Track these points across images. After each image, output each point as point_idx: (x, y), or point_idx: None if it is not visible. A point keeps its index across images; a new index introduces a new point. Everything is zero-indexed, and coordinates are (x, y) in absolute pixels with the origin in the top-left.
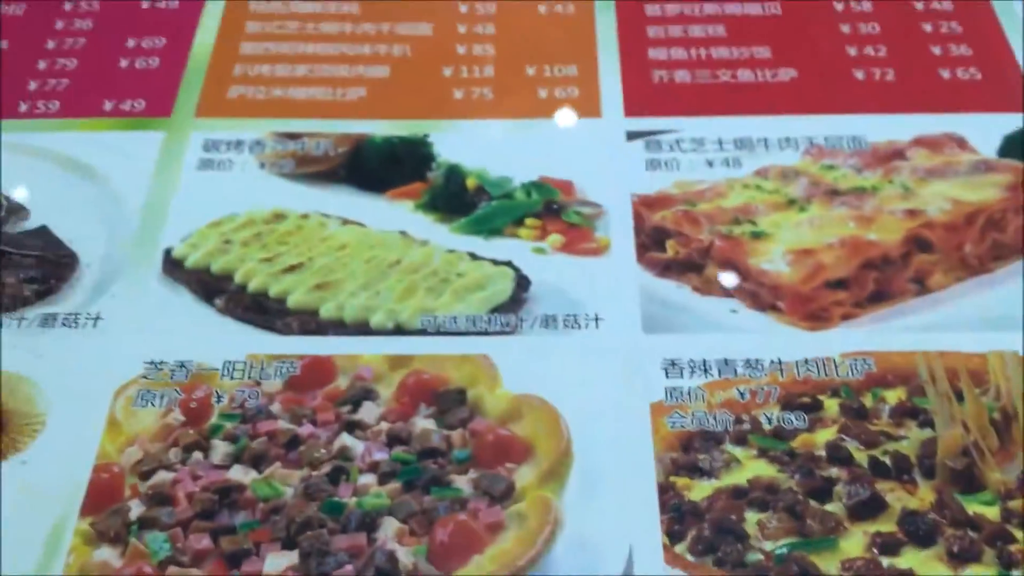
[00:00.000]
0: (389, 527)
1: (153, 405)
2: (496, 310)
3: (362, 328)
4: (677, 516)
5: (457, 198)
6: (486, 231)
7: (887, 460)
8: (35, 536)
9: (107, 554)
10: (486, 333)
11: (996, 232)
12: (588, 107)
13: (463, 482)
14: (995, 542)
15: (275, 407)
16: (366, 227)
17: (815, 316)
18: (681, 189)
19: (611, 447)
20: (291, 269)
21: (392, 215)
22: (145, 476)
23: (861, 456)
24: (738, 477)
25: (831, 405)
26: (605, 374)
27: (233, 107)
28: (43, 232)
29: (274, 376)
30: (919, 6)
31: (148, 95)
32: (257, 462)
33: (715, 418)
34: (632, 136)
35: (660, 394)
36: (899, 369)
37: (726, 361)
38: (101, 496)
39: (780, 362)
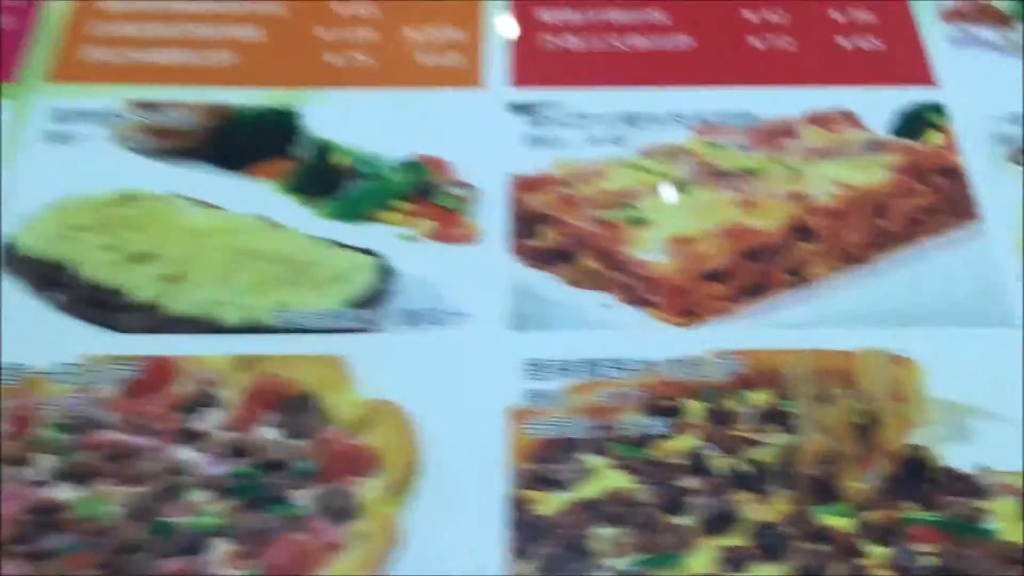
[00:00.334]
0: (219, 549)
1: None
2: (357, 304)
3: (210, 325)
4: (525, 533)
5: (324, 178)
6: (353, 215)
7: (747, 469)
8: None
9: None
10: (344, 330)
11: (881, 219)
12: (471, 76)
13: (306, 497)
14: (846, 557)
15: (109, 416)
16: (225, 210)
17: (689, 311)
18: (562, 169)
19: (465, 457)
20: (138, 259)
21: (254, 196)
22: None
23: (721, 464)
24: (593, 489)
25: (696, 409)
26: (465, 376)
27: (87, 71)
28: None
29: (110, 380)
30: None
31: None
32: (84, 478)
33: (575, 424)
34: (515, 109)
35: (521, 398)
36: (769, 369)
37: (593, 362)
38: None
39: (649, 362)
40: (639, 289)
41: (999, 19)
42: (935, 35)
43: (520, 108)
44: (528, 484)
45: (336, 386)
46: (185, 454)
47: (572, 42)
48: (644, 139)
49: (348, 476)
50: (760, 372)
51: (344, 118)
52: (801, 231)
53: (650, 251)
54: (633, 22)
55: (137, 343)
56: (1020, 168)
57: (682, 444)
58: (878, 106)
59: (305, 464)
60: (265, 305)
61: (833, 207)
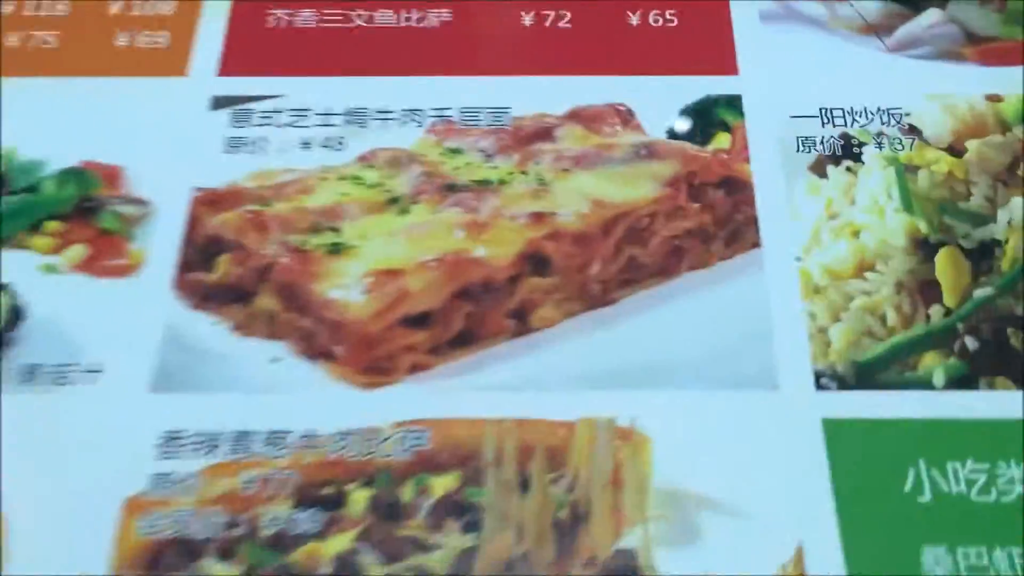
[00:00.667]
0: None
1: None
2: None
3: None
4: None
5: None
6: None
7: None
8: None
9: None
10: None
11: (636, 246)
12: (173, 61)
13: None
14: None
15: None
16: None
17: (376, 367)
18: (258, 182)
19: (64, 560)
20: None
21: None
22: None
23: (378, 573)
24: None
25: (359, 499)
26: (83, 454)
27: None
28: None
29: None
30: None
31: None
32: None
33: (204, 520)
34: (219, 104)
35: (148, 483)
36: (460, 445)
37: (243, 434)
38: None
39: (312, 436)
40: (320, 337)
41: None
42: (745, 8)
43: (226, 102)
44: None
45: None
46: None
47: (303, 18)
48: (369, 143)
49: None
50: (448, 449)
51: (8, 114)
52: (537, 262)
53: (344, 288)
54: None
55: None
56: (823, 181)
57: (333, 547)
58: (663, 99)
59: None
60: None
61: (578, 231)
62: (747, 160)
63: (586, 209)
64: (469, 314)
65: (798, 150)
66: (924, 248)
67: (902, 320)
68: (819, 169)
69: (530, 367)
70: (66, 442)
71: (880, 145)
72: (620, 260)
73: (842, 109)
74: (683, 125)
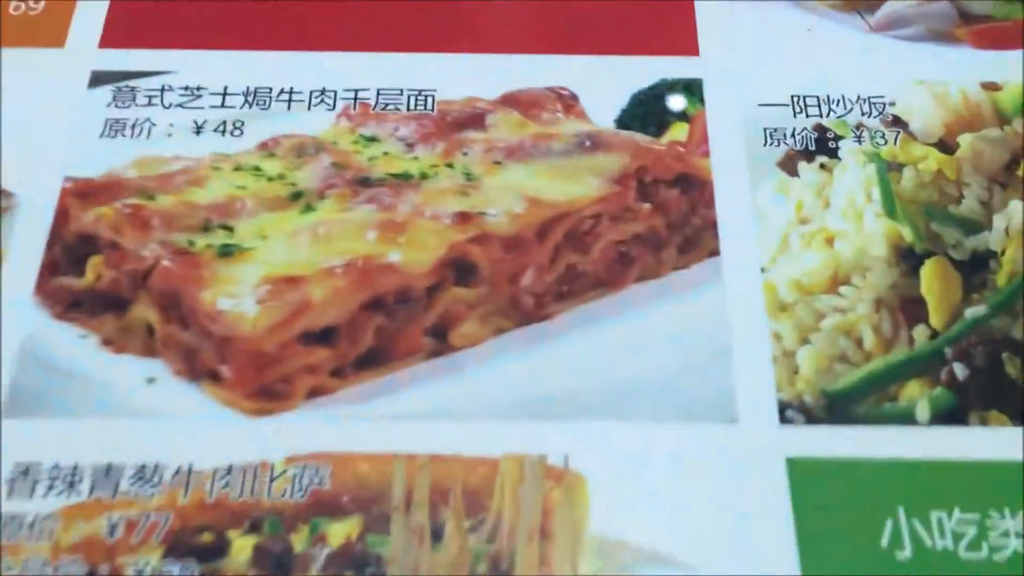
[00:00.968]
0: None
1: None
2: None
3: None
4: None
5: None
6: None
7: None
8: None
9: None
10: None
11: (576, 253)
12: (52, 30)
13: None
14: None
15: None
16: None
17: (269, 391)
18: (140, 171)
19: None
20: None
21: None
22: None
23: None
24: None
25: (242, 547)
26: None
27: None
28: None
29: None
30: None
31: None
32: None
33: (57, 572)
34: (98, 80)
35: None
36: (363, 485)
37: (109, 468)
38: None
39: (190, 471)
40: (205, 355)
41: None
42: None
43: (101, 79)
44: None
45: None
46: None
47: None
48: (272, 128)
49: None
50: (349, 490)
51: None
52: (461, 270)
53: (236, 296)
54: None
55: None
56: (793, 180)
57: None
58: (612, 83)
59: None
60: None
61: (509, 234)
62: (707, 154)
63: (519, 209)
64: (380, 329)
65: (765, 144)
66: (908, 259)
67: (881, 343)
68: (789, 166)
69: (448, 393)
70: None
71: (859, 139)
72: (557, 269)
73: (816, 97)
74: (637, 112)
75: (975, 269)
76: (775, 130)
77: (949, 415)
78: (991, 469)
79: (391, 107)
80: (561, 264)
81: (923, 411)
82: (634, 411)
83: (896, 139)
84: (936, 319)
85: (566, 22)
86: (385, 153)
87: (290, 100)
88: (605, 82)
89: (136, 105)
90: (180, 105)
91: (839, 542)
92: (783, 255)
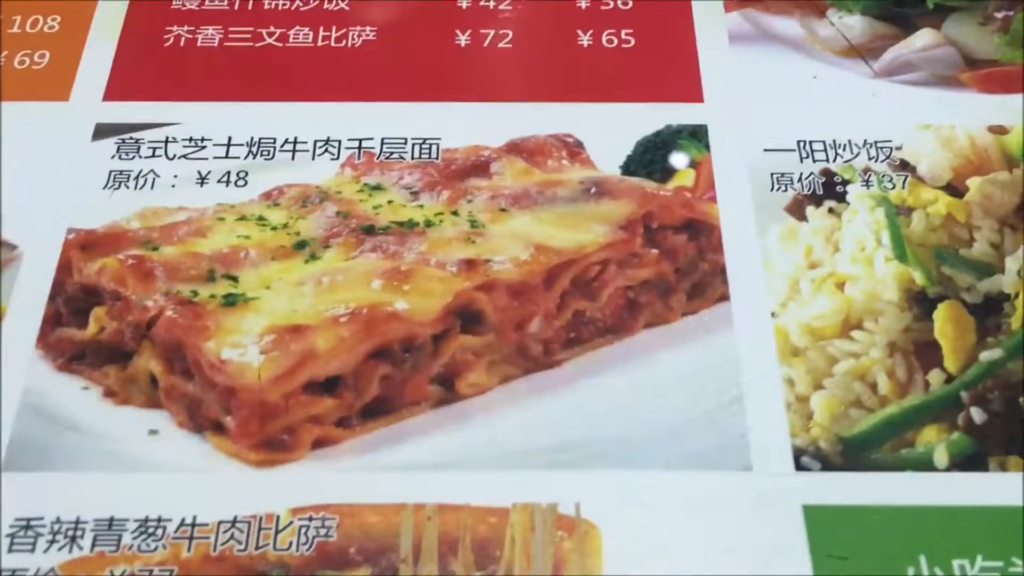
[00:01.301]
0: None
1: None
2: None
3: None
4: None
5: None
6: None
7: None
8: None
9: None
10: None
11: (583, 300)
12: (58, 84)
13: None
14: None
15: None
16: None
17: (274, 443)
18: (143, 222)
19: None
20: None
21: None
22: None
23: None
24: None
25: None
26: None
27: None
28: None
29: None
30: None
31: None
32: None
33: None
34: (102, 132)
35: None
36: (371, 536)
37: (111, 522)
38: None
39: (194, 524)
40: (208, 406)
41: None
42: (711, 27)
43: (106, 131)
44: None
45: None
46: None
47: (207, 35)
48: (276, 178)
49: None
50: (356, 541)
51: None
52: (468, 318)
53: (240, 346)
54: (297, 8)
55: None
56: (801, 224)
57: None
58: (617, 129)
59: None
60: None
61: (516, 281)
62: (713, 200)
63: (526, 256)
64: (386, 378)
65: (772, 188)
66: (921, 303)
67: (896, 388)
68: (797, 211)
69: (456, 442)
70: None
71: (867, 183)
72: (565, 315)
73: (823, 142)
74: (637, 159)
75: (988, 312)
76: (782, 175)
77: (967, 461)
78: (1013, 515)
79: (395, 155)
80: (569, 311)
81: (941, 457)
82: (646, 459)
83: (904, 183)
84: (951, 363)
85: (570, 70)
86: (389, 201)
87: (294, 150)
88: (610, 129)
89: (140, 157)
90: (184, 156)
91: None
92: (793, 300)
